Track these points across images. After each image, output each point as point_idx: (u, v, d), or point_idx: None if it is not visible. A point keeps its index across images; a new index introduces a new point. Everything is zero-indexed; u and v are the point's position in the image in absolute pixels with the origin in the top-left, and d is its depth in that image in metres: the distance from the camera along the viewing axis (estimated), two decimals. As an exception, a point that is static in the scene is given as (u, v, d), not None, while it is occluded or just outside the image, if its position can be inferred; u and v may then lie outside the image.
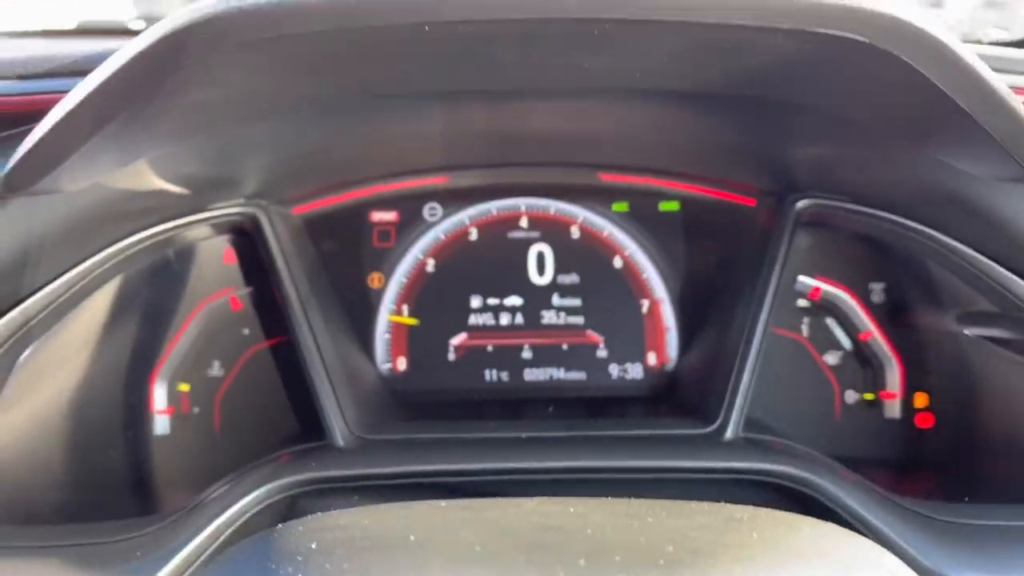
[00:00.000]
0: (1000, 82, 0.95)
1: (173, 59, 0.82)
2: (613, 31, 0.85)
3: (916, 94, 0.95)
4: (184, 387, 1.56)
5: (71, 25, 1.76)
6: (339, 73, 0.96)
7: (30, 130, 0.96)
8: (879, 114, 1.06)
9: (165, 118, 0.96)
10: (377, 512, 0.84)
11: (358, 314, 1.62)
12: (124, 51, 0.84)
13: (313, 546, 0.74)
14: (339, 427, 1.29)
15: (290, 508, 1.24)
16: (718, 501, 1.25)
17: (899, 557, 1.10)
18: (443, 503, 0.84)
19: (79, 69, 1.11)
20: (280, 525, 0.80)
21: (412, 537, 0.75)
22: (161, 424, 1.54)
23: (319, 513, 0.88)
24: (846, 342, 1.55)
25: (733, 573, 0.70)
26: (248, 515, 1.18)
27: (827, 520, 1.16)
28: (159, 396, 1.54)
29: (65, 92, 0.92)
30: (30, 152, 0.93)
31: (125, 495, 1.47)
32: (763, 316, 1.37)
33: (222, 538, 1.13)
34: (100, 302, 1.45)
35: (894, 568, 0.79)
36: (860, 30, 0.85)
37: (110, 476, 1.49)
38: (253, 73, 0.91)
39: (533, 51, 0.93)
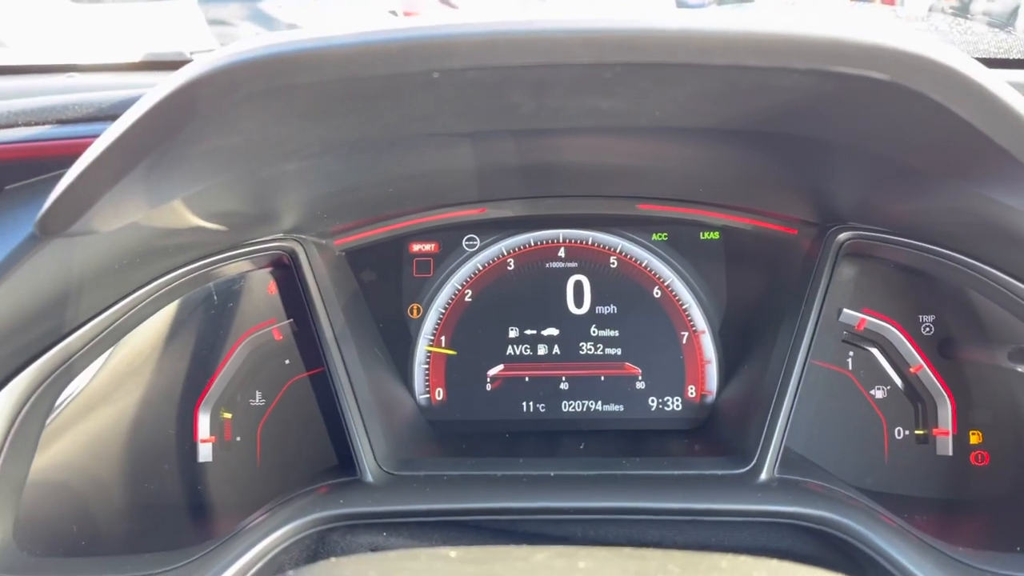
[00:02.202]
0: None
1: (186, 111, 0.84)
2: (624, 76, 0.83)
3: (950, 131, 0.90)
4: (227, 415, 1.59)
5: (137, 59, 1.82)
6: (355, 118, 0.97)
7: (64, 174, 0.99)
8: (915, 151, 1.02)
9: (188, 163, 0.98)
10: (384, 562, 0.83)
11: (397, 345, 1.64)
12: (141, 103, 0.86)
13: (315, 599, 0.74)
14: (368, 464, 1.30)
15: (320, 543, 1.25)
16: (751, 544, 1.22)
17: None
18: (452, 553, 0.83)
19: (113, 114, 1.14)
20: (291, 572, 0.80)
21: (413, 592, 0.74)
22: (204, 452, 1.57)
23: (331, 559, 0.88)
24: (894, 376, 1.49)
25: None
26: (278, 550, 1.19)
27: (865, 568, 1.13)
28: (203, 424, 1.57)
29: (98, 137, 0.95)
30: (60, 197, 0.96)
31: (174, 522, 1.51)
32: (803, 349, 1.33)
33: (250, 574, 1.15)
34: (148, 333, 1.50)
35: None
36: (882, 68, 0.82)
37: (160, 503, 1.53)
38: (268, 121, 0.92)
39: (547, 95, 0.92)
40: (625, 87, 0.88)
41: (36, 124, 1.19)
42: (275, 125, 0.95)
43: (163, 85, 0.85)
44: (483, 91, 0.91)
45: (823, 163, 1.17)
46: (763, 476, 1.25)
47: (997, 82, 0.84)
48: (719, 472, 1.26)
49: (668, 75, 0.85)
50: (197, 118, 0.85)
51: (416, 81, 0.85)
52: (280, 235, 1.45)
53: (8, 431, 1.20)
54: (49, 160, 1.16)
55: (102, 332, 1.28)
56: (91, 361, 1.32)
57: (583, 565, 0.80)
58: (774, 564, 0.83)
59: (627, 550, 0.86)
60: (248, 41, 0.84)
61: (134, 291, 1.30)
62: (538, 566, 0.81)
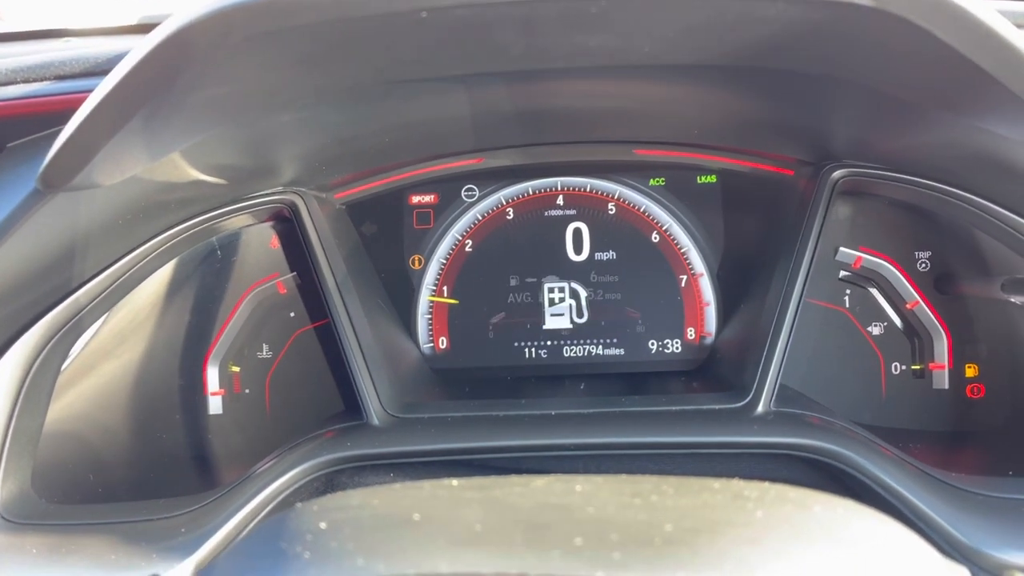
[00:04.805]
0: None
1: (180, 58, 0.85)
2: (610, 9, 0.84)
3: (939, 60, 0.91)
4: (235, 369, 1.62)
5: (133, 21, 1.82)
6: (347, 63, 0.98)
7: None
8: (906, 83, 1.02)
9: (184, 113, 1.00)
10: (389, 491, 0.86)
11: (399, 295, 1.66)
12: (134, 53, 0.87)
13: (323, 526, 0.76)
14: (374, 407, 1.33)
15: (328, 484, 1.28)
16: (747, 475, 1.25)
17: (936, 533, 1.09)
18: (455, 482, 0.86)
19: (111, 68, 1.15)
20: (299, 504, 0.82)
21: (416, 516, 0.76)
22: (215, 404, 1.60)
23: (338, 492, 0.90)
24: (891, 313, 1.51)
25: (728, 553, 0.70)
26: (288, 492, 1.22)
27: (860, 495, 1.16)
28: (212, 378, 1.60)
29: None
30: (60, 151, 0.97)
31: (186, 471, 1.55)
32: (798, 287, 1.34)
33: (260, 516, 1.18)
34: (154, 288, 1.52)
35: (907, 546, 0.77)
36: (865, -6, 0.82)
37: (172, 453, 1.57)
38: (262, 67, 0.93)
39: (535, 33, 0.93)
40: (612, 21, 0.89)
41: (35, 81, 1.19)
42: (269, 72, 0.96)
43: (155, 33, 0.86)
44: (472, 31, 0.91)
45: (816, 100, 1.18)
46: (760, 409, 1.27)
47: (981, 6, 0.85)
48: (716, 407, 1.28)
49: (654, 7, 0.85)
50: (191, 65, 0.87)
51: (406, 21, 0.86)
52: (280, 188, 1.47)
53: (22, 384, 1.23)
54: (49, 116, 1.17)
55: (109, 287, 1.30)
56: (100, 316, 1.35)
57: (580, 488, 0.83)
58: (765, 485, 0.85)
59: (623, 476, 0.89)
60: (238, -13, 0.85)
61: (138, 246, 1.32)
62: (537, 491, 0.83)
